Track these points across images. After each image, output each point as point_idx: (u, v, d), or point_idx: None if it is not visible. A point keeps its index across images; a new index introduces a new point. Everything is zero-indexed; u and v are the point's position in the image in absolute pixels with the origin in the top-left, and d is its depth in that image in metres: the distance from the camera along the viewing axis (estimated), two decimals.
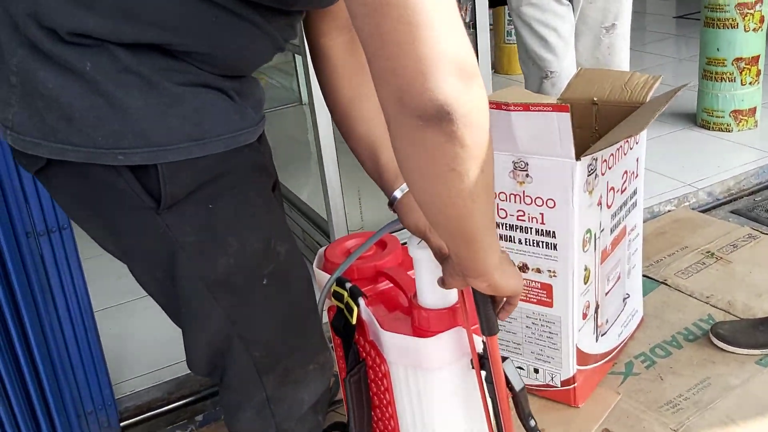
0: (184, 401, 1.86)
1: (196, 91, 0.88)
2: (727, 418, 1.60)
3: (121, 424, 1.80)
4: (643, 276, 2.13)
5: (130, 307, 2.23)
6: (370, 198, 2.43)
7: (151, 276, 1.01)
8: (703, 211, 2.54)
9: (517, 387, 1.12)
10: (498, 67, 4.42)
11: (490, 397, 1.16)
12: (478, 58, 2.12)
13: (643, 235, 2.37)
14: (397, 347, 1.17)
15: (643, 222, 2.46)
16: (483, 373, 1.15)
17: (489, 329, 1.07)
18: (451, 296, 1.14)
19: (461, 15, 2.10)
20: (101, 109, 0.84)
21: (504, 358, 1.13)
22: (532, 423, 1.14)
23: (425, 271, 1.14)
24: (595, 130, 1.80)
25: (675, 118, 3.28)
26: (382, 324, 1.19)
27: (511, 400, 1.14)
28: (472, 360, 1.16)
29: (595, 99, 1.76)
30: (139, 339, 2.07)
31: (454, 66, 0.67)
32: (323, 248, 1.41)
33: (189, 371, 1.90)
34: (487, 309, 1.05)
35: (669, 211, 2.55)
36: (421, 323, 1.17)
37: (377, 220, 2.34)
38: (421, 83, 0.67)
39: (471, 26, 2.11)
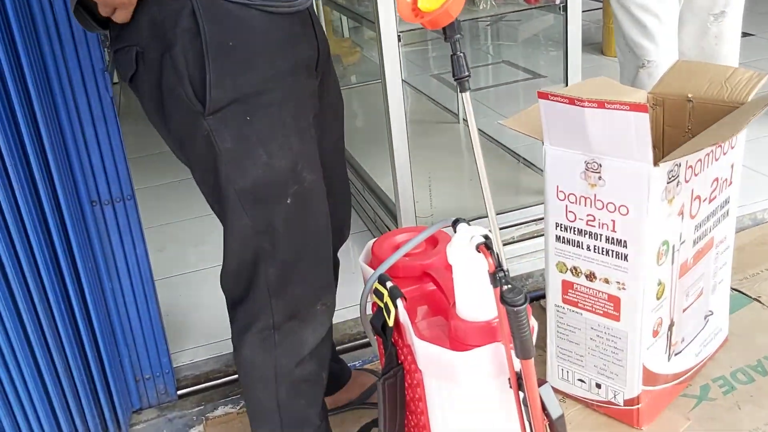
0: None
1: None
2: None
3: (179, 392, 1.83)
4: (735, 290, 1.96)
5: (195, 278, 2.27)
6: (441, 185, 2.36)
7: (205, 183, 1.11)
8: None
9: (554, 414, 1.03)
10: (606, 49, 4.18)
11: (528, 421, 1.08)
12: (567, 41, 1.98)
13: (741, 244, 2.18)
14: (430, 357, 1.11)
15: (744, 230, 2.27)
16: (522, 394, 1.07)
17: (523, 352, 0.99)
18: (491, 309, 1.06)
19: None
20: None
21: (542, 382, 1.04)
22: None
23: (463, 278, 1.07)
24: (688, 129, 1.64)
25: None
26: (417, 330, 1.13)
27: (547, 426, 1.06)
28: (510, 379, 1.08)
29: (690, 96, 1.60)
30: (202, 310, 2.10)
31: None
32: (371, 242, 1.35)
33: None
34: (521, 330, 0.96)
35: None
36: (457, 335, 1.09)
37: (447, 209, 2.26)
38: None
39: (562, 9, 1.96)
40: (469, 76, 1.02)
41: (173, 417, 1.76)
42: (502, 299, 0.97)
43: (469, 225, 1.10)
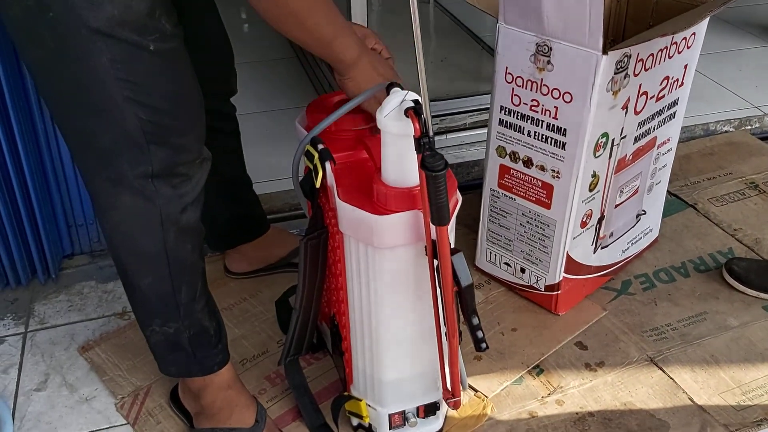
0: None
1: None
2: (710, 357, 1.52)
3: None
4: (673, 195, 1.99)
5: None
6: (403, 66, 2.28)
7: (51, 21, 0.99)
8: (764, 139, 2.32)
9: (464, 282, 1.05)
10: None
11: (439, 287, 1.10)
12: None
13: (688, 153, 2.21)
14: (350, 219, 1.11)
15: (694, 139, 2.28)
16: (436, 262, 1.08)
17: (439, 218, 0.99)
18: (414, 176, 1.06)
19: None
20: None
21: (455, 251, 1.05)
22: (475, 321, 1.09)
23: (390, 144, 1.05)
24: (650, 25, 1.61)
25: (764, 31, 2.94)
26: (340, 193, 1.12)
27: (456, 294, 1.08)
28: (426, 246, 1.09)
29: None
30: None
31: None
32: (309, 103, 1.32)
33: None
34: (438, 195, 0.96)
35: (726, 131, 2.34)
36: (379, 199, 1.09)
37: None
38: None
39: None
40: None
41: (104, 265, 1.76)
42: (422, 164, 0.96)
43: (403, 90, 1.07)
